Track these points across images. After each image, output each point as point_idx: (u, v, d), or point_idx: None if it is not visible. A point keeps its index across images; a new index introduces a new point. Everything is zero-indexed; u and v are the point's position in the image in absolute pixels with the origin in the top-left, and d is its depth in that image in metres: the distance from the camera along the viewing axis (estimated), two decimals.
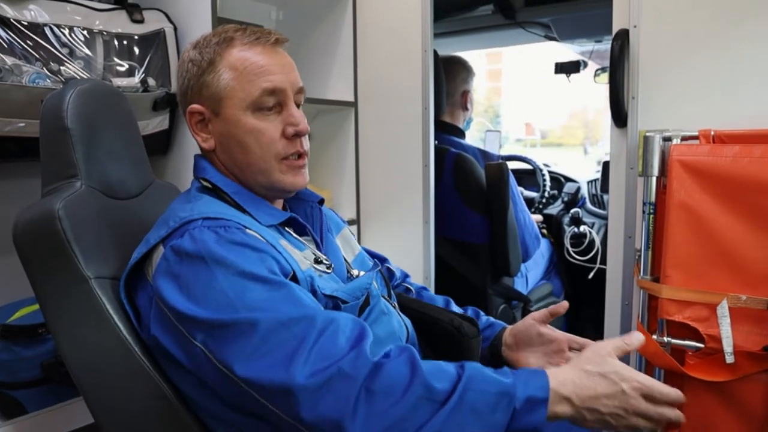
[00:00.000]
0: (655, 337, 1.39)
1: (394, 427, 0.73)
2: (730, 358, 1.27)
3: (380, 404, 0.74)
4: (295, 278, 0.88)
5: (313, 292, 0.91)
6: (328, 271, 0.98)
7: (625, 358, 1.56)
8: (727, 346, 1.27)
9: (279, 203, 1.06)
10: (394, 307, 1.10)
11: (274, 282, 0.82)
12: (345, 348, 0.77)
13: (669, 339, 1.38)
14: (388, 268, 1.27)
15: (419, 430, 0.73)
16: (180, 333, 0.82)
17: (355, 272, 1.08)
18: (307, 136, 1.01)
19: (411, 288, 1.28)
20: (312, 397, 0.74)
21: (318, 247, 1.03)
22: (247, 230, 0.88)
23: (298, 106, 1.00)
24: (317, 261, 0.97)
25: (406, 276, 1.32)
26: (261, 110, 0.96)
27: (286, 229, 1.01)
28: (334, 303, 0.92)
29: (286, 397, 0.74)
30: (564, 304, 1.08)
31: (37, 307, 1.31)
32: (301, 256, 0.95)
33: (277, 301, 0.80)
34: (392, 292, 1.15)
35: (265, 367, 0.76)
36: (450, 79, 2.28)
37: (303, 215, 1.08)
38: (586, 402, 0.79)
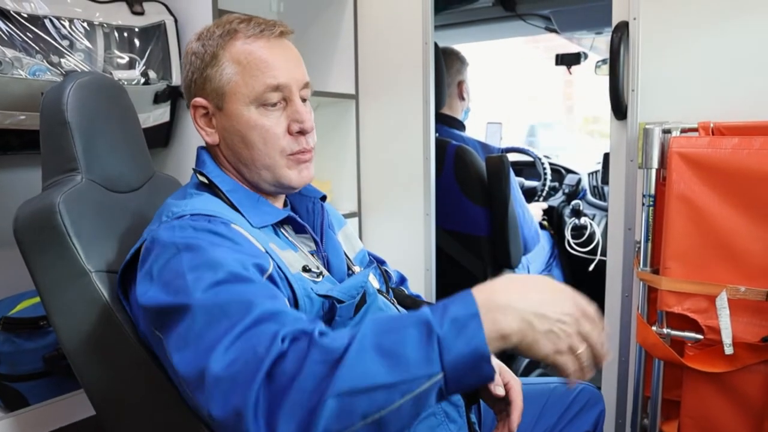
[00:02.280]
0: (654, 328, 1.39)
1: (297, 404, 0.61)
2: (729, 350, 1.28)
3: (278, 383, 0.63)
4: (278, 277, 0.86)
5: (307, 293, 0.90)
6: (317, 279, 0.94)
7: (624, 349, 1.57)
8: (726, 338, 1.28)
9: (280, 200, 1.05)
10: (393, 303, 1.09)
11: (238, 274, 0.76)
12: (269, 339, 0.66)
13: (668, 330, 1.38)
14: (386, 270, 1.26)
15: (322, 396, 0.60)
16: (148, 325, 0.83)
17: (356, 269, 1.08)
18: (313, 132, 1.00)
19: (405, 292, 1.27)
20: (218, 385, 0.65)
21: (317, 246, 1.02)
22: (233, 225, 0.87)
23: (304, 100, 0.99)
24: (305, 269, 0.93)
25: (403, 280, 1.32)
26: (265, 106, 0.94)
27: (284, 227, 1.00)
28: (330, 303, 0.91)
29: (200, 386, 0.67)
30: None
31: (38, 299, 1.31)
32: (292, 260, 0.93)
33: (231, 288, 0.74)
34: (390, 288, 1.15)
35: (191, 356, 0.69)
36: (445, 70, 2.28)
37: (304, 211, 1.07)
38: (532, 306, 0.65)
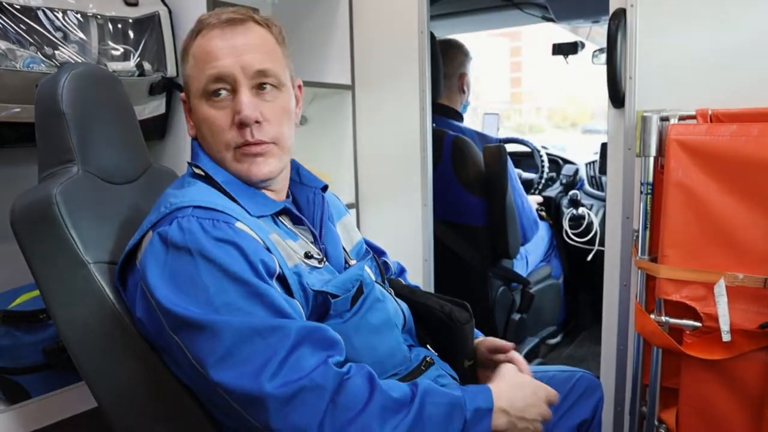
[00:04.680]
0: (653, 316, 1.40)
1: None
2: (727, 337, 1.28)
3: (345, 415, 0.77)
4: (281, 276, 0.88)
5: (302, 287, 0.90)
6: (319, 265, 0.96)
7: (623, 337, 1.58)
8: (724, 325, 1.28)
9: (280, 190, 1.04)
10: (390, 293, 1.10)
11: (255, 286, 0.82)
12: (316, 362, 0.79)
13: (667, 318, 1.38)
14: (384, 261, 1.26)
15: None
16: (160, 322, 0.83)
17: (353, 262, 1.08)
18: (266, 124, 0.94)
19: (402, 282, 1.27)
20: (282, 407, 0.76)
21: (315, 237, 1.02)
22: (237, 224, 0.87)
23: (262, 88, 0.95)
24: (308, 256, 0.95)
25: (402, 271, 1.32)
26: (211, 97, 0.93)
27: (281, 218, 0.99)
28: (323, 298, 0.92)
29: (257, 405, 0.77)
30: (508, 346, 1.08)
31: (37, 292, 1.31)
32: (292, 250, 0.93)
33: (255, 306, 0.81)
34: (386, 278, 1.15)
35: (237, 375, 0.78)
36: (447, 62, 2.27)
37: (305, 201, 1.07)
38: (519, 412, 0.88)
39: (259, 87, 0.95)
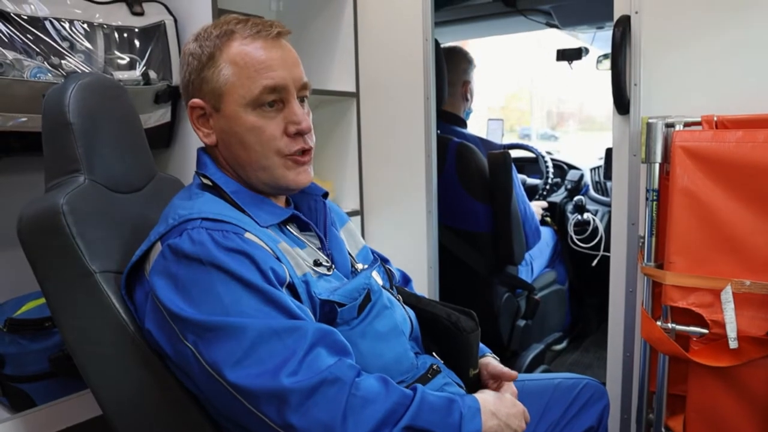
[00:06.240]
0: (659, 323, 1.39)
1: (377, 428, 0.79)
2: (734, 344, 1.28)
3: (367, 408, 0.80)
4: (290, 285, 0.89)
5: (310, 296, 0.91)
6: (328, 273, 0.97)
7: (629, 344, 1.57)
8: (731, 332, 1.27)
9: (282, 199, 1.05)
10: (398, 299, 1.10)
11: (268, 293, 0.83)
12: (332, 361, 0.81)
13: (673, 325, 1.38)
14: (389, 269, 1.26)
15: (395, 427, 0.81)
16: (172, 331, 0.84)
17: (359, 266, 1.08)
18: (312, 132, 0.99)
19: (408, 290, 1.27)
20: (304, 401, 0.77)
21: (322, 242, 1.03)
22: (246, 234, 0.88)
23: (303, 100, 0.99)
24: (317, 263, 0.96)
25: (407, 281, 1.32)
26: (261, 107, 0.94)
27: (289, 226, 1.00)
28: (330, 307, 0.92)
29: (277, 402, 0.77)
30: (512, 375, 1.09)
31: (43, 300, 1.31)
32: (300, 258, 0.94)
33: (270, 311, 0.82)
34: (393, 284, 1.15)
35: (255, 374, 0.78)
36: (451, 69, 2.28)
37: (307, 209, 1.07)
38: (504, 417, 0.93)
39: (301, 99, 0.98)
